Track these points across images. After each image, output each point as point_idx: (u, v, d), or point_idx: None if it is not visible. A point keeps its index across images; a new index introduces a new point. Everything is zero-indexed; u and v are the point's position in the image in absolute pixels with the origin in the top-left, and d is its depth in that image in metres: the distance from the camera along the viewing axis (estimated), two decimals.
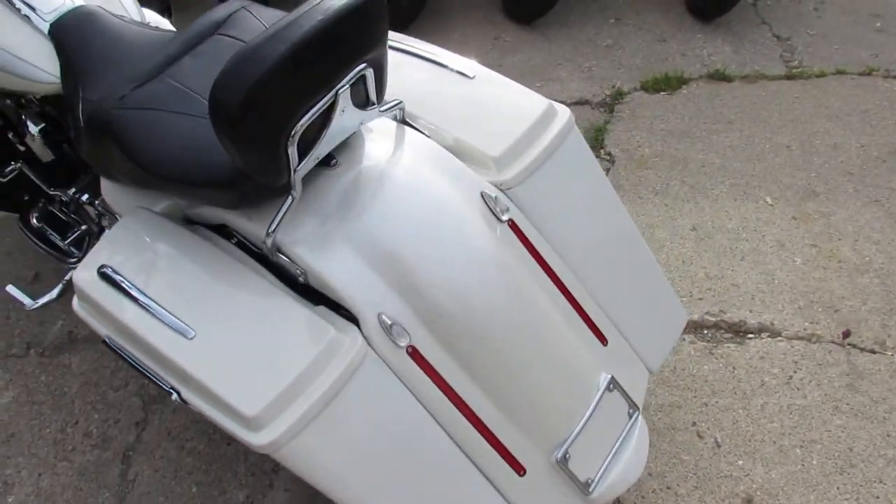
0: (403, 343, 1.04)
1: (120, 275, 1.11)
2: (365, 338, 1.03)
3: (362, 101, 1.04)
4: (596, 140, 2.39)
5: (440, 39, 2.93)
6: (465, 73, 1.29)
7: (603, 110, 2.53)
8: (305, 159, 0.98)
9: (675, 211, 2.09)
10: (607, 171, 2.27)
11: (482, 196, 1.13)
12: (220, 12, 1.31)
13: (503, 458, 1.13)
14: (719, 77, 2.59)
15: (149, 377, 1.08)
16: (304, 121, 0.93)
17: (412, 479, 1.06)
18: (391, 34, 1.39)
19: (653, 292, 1.35)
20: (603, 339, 1.26)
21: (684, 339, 1.73)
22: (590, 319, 1.24)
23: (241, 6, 1.32)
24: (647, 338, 1.33)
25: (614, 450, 1.23)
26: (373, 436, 1.02)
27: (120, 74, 1.22)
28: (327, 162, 1.11)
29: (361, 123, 1.06)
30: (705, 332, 1.76)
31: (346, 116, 1.01)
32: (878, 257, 1.89)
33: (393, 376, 1.04)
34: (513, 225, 1.16)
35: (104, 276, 1.11)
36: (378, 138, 1.15)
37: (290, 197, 1.02)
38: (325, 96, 0.95)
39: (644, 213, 2.10)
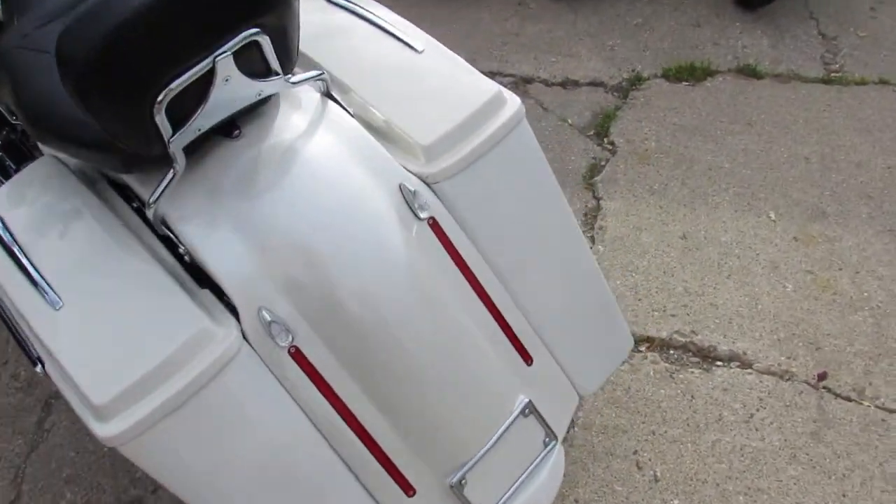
0: (284, 343, 0.94)
1: (8, 229, 1.03)
2: (243, 332, 0.94)
3: (261, 70, 0.93)
4: (601, 127, 2.23)
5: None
6: (414, 45, 1.16)
7: (617, 95, 2.36)
8: (182, 130, 0.88)
9: (669, 215, 1.94)
10: (605, 161, 2.12)
11: (400, 189, 1.02)
12: None
13: (391, 476, 1.04)
14: (749, 72, 2.38)
15: (18, 341, 1.01)
16: (173, 86, 0.82)
17: (284, 491, 0.98)
18: None
19: (595, 311, 1.23)
20: (527, 358, 1.14)
21: (646, 358, 1.61)
22: (514, 335, 1.12)
23: None
24: (582, 360, 1.22)
25: (520, 480, 1.13)
26: (241, 441, 0.94)
27: (37, 11, 1.13)
28: (230, 132, 1.00)
29: (259, 94, 0.95)
30: (671, 352, 1.63)
31: (235, 86, 0.90)
32: (878, 294, 1.72)
33: (271, 377, 0.95)
34: (434, 224, 1.04)
35: None
36: (293, 112, 1.04)
37: (171, 170, 0.92)
38: (199, 62, 0.84)
39: (635, 213, 1.95)
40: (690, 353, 1.62)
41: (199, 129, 0.91)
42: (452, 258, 1.05)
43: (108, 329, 0.92)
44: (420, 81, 1.11)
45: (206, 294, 0.97)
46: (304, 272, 0.94)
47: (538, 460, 1.14)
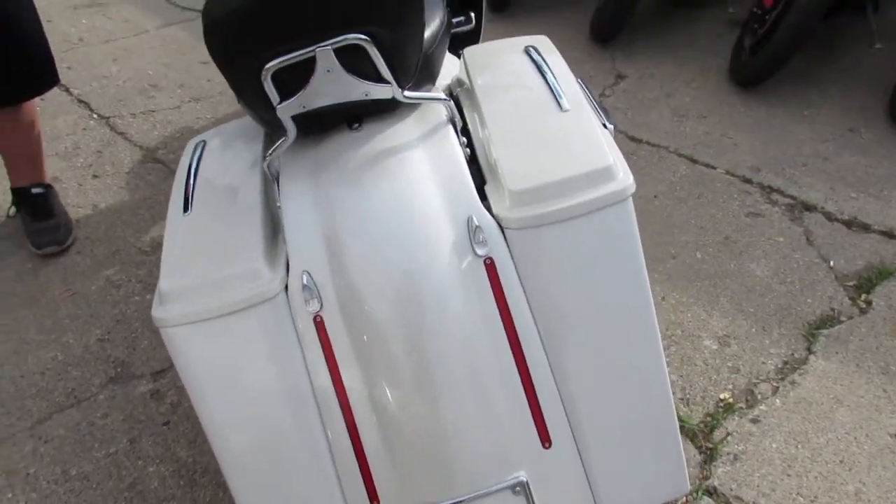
0: (312, 308, 1.03)
1: (201, 155, 1.29)
2: (287, 286, 1.05)
3: (371, 74, 1.02)
4: (867, 281, 1.88)
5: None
6: (561, 103, 1.15)
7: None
8: (287, 101, 1.02)
9: (890, 405, 1.58)
10: (847, 318, 1.80)
11: (467, 221, 1.03)
12: None
13: (363, 477, 1.06)
14: None
15: None
16: (276, 61, 0.96)
17: (267, 434, 1.06)
18: (546, 43, 1.32)
19: (649, 432, 1.07)
20: (545, 440, 1.06)
21: None
22: (538, 409, 1.05)
23: None
24: (614, 475, 1.08)
25: None
26: (250, 371, 1.05)
27: None
28: (351, 124, 1.13)
29: (367, 95, 1.05)
30: None
31: (337, 79, 1.01)
32: None
33: (292, 332, 1.05)
34: (490, 265, 1.03)
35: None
36: (411, 125, 1.12)
37: (284, 138, 1.07)
38: (302, 48, 0.96)
39: (846, 384, 1.60)
40: None
41: (304, 107, 1.04)
42: (498, 305, 1.03)
43: (200, 237, 1.10)
44: (544, 136, 1.10)
45: (281, 245, 1.11)
46: (351, 260, 1.02)
47: None
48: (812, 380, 1.64)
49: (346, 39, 0.96)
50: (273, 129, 1.13)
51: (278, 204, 1.11)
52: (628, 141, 2.54)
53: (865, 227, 2.10)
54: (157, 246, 2.10)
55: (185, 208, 1.15)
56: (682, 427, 1.54)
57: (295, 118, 1.04)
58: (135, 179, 2.38)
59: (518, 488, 1.03)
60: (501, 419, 1.03)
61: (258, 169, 1.18)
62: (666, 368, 1.07)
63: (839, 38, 3.05)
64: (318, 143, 1.12)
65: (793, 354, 1.71)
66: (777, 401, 1.60)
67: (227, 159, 1.25)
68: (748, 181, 2.31)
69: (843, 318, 1.80)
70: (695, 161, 2.42)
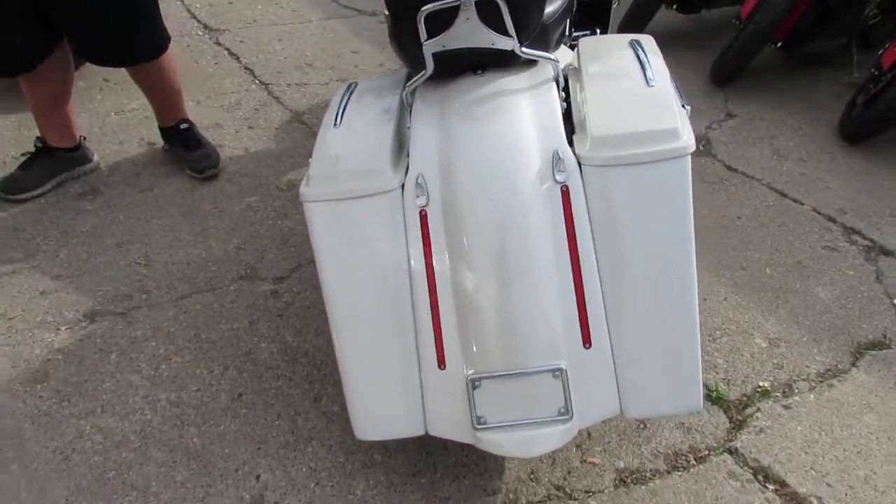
0: (420, 203, 1.31)
1: (353, 87, 1.62)
2: (404, 185, 1.34)
3: (500, 28, 1.30)
4: None
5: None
6: (649, 80, 1.39)
7: None
8: (432, 40, 1.32)
9: None
10: None
11: (553, 153, 1.29)
12: None
13: (436, 345, 1.33)
14: None
15: None
16: (431, 6, 1.26)
17: (366, 302, 1.33)
18: (649, 40, 1.58)
19: (675, 352, 1.27)
20: (587, 341, 1.29)
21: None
22: (585, 314, 1.28)
23: None
24: (638, 382, 1.29)
25: (519, 422, 1.28)
26: (362, 246, 1.33)
27: None
28: (476, 70, 1.42)
29: (493, 44, 1.32)
30: None
31: (473, 27, 1.29)
32: None
33: (401, 220, 1.33)
34: (565, 191, 1.28)
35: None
36: (524, 77, 1.39)
37: (424, 71, 1.37)
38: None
39: (890, 400, 1.75)
40: None
41: (444, 46, 1.33)
42: (566, 223, 1.28)
43: (344, 143, 1.39)
44: (628, 100, 1.34)
45: (405, 157, 1.39)
46: (457, 171, 1.29)
47: (544, 421, 1.28)
48: (849, 387, 1.78)
49: None
50: (415, 67, 1.44)
51: (408, 126, 1.41)
52: (724, 169, 2.72)
53: None
54: (293, 186, 2.47)
55: (335, 123, 1.47)
56: (718, 399, 1.73)
57: (435, 56, 1.35)
58: (282, 134, 2.78)
59: (557, 373, 1.27)
60: (553, 314, 1.27)
61: (397, 100, 1.48)
62: (697, 305, 1.29)
63: None
64: (447, 84, 1.42)
65: (837, 365, 1.85)
66: (811, 396, 1.75)
67: (372, 95, 1.56)
68: (832, 220, 2.44)
69: (893, 346, 1.92)
70: (784, 195, 2.57)
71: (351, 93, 1.58)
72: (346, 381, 1.36)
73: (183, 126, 2.51)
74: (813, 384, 1.79)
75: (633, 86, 1.38)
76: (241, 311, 1.93)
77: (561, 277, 1.28)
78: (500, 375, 1.28)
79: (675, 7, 3.69)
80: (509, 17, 1.28)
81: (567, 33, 1.84)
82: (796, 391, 1.76)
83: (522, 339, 1.27)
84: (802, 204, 2.52)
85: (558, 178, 1.27)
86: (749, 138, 2.93)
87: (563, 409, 1.28)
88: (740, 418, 1.68)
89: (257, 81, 3.18)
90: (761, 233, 2.36)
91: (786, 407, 1.72)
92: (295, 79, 3.19)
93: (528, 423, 1.28)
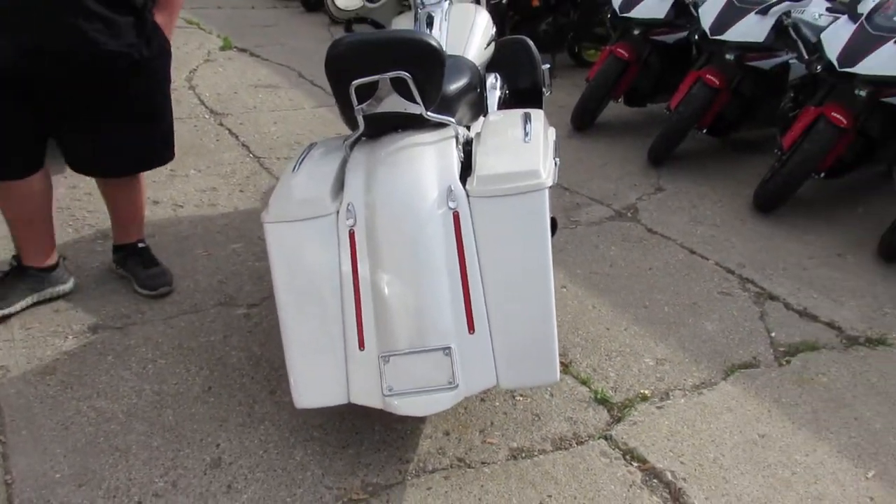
0: (349, 223, 1.74)
1: (311, 146, 2.09)
2: (338, 211, 1.78)
3: (410, 97, 1.76)
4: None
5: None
6: (527, 135, 1.85)
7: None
8: (362, 104, 1.78)
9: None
10: (773, 366, 2.29)
11: (447, 188, 1.73)
12: None
13: (357, 331, 1.72)
14: None
15: None
16: (359, 81, 1.73)
17: (309, 304, 1.74)
18: (538, 113, 2.05)
19: (537, 340, 1.67)
20: (471, 327, 1.68)
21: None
22: (470, 306, 1.68)
23: None
24: (509, 361, 1.67)
25: (420, 390, 1.66)
26: (307, 257, 1.74)
27: None
28: (397, 128, 1.88)
29: (406, 109, 1.78)
30: None
31: (391, 97, 1.75)
32: None
33: (335, 237, 1.76)
34: (455, 215, 1.71)
35: None
36: (433, 135, 1.84)
37: (358, 130, 1.84)
38: (373, 75, 1.72)
39: (748, 404, 2.11)
40: None
41: (370, 110, 1.79)
42: (456, 238, 1.69)
43: (297, 183, 1.84)
44: (508, 151, 1.79)
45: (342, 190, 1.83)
46: (377, 200, 1.72)
47: (437, 388, 1.66)
48: (716, 394, 2.15)
49: (396, 73, 1.73)
50: (353, 127, 1.91)
51: (347, 167, 1.87)
52: (645, 231, 3.16)
53: (814, 318, 2.59)
54: None
55: (293, 170, 1.93)
56: (603, 401, 2.10)
57: (365, 118, 1.81)
58: (268, 196, 3.25)
59: (447, 351, 1.66)
60: (445, 306, 1.68)
61: (341, 152, 1.95)
62: (553, 302, 1.68)
63: (860, 188, 3.60)
64: (377, 140, 1.89)
65: (710, 379, 2.23)
66: (682, 400, 2.12)
67: (324, 149, 2.01)
68: (731, 272, 2.86)
69: (761, 367, 2.30)
70: (693, 252, 3.00)
71: (310, 149, 2.05)
72: (289, 362, 1.75)
73: (141, 245, 2.55)
74: (686, 393, 2.16)
75: (512, 141, 1.85)
76: (217, 327, 2.33)
77: (452, 279, 1.69)
78: (404, 353, 1.67)
79: (618, 101, 4.24)
80: (415, 89, 1.75)
81: (486, 109, 2.33)
82: (671, 397, 2.14)
83: (421, 324, 1.67)
84: (707, 259, 2.95)
85: (450, 205, 1.71)
86: (672, 207, 3.39)
87: (451, 380, 1.66)
88: (619, 415, 2.05)
89: (251, 155, 3.69)
90: (666, 280, 2.77)
91: (659, 408, 2.09)
92: (284, 153, 3.70)
93: (424, 391, 1.67)
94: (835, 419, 2.08)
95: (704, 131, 3.80)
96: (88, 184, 3.23)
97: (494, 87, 2.61)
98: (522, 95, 2.81)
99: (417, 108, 1.78)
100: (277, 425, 1.94)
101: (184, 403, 2.01)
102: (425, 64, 1.75)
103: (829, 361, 2.34)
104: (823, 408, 2.12)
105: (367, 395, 1.71)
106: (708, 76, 3.48)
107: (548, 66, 2.85)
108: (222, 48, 5.43)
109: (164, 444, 1.87)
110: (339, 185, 1.82)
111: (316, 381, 1.74)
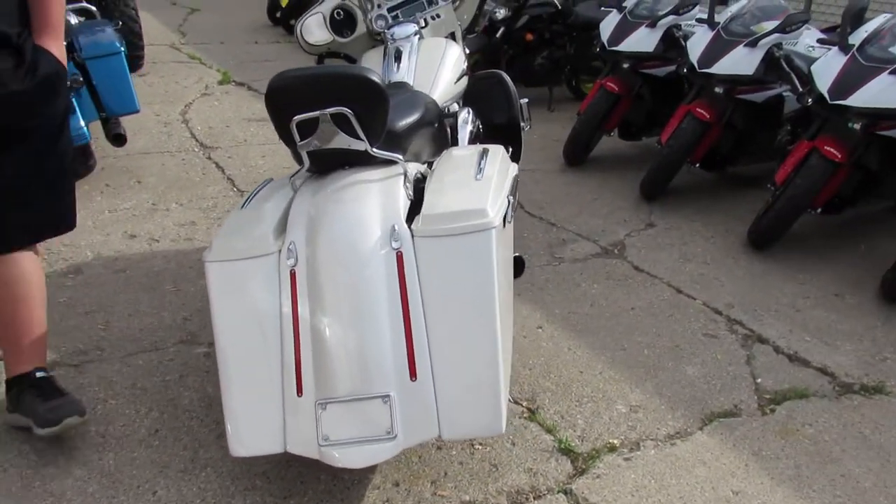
0: (290, 263, 1.67)
1: (266, 183, 2.03)
2: (280, 251, 1.71)
3: (353, 133, 1.69)
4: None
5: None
6: (479, 175, 1.77)
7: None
8: (303, 142, 1.72)
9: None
10: (755, 415, 2.17)
11: (391, 227, 1.65)
12: None
13: (296, 376, 1.64)
14: None
15: None
16: (299, 117, 1.66)
17: (245, 341, 1.65)
18: (497, 149, 1.98)
19: (481, 389, 1.56)
20: (413, 374, 1.59)
21: None
22: (412, 351, 1.59)
23: None
24: (453, 411, 1.57)
25: (356, 440, 1.56)
26: (247, 297, 1.68)
27: None
28: (343, 165, 1.81)
29: (349, 146, 1.71)
30: None
31: (333, 133, 1.68)
32: None
33: (277, 278, 1.68)
34: (399, 255, 1.63)
35: None
36: (379, 172, 1.77)
37: (302, 166, 1.77)
38: (312, 111, 1.66)
39: (724, 457, 1.98)
40: None
41: (316, 146, 1.73)
42: (399, 280, 1.61)
43: (244, 220, 1.78)
44: (457, 189, 1.72)
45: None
46: (319, 240, 1.65)
47: (374, 439, 1.56)
48: (690, 446, 2.03)
49: (337, 109, 1.66)
50: (300, 163, 1.84)
51: (292, 205, 1.80)
52: (631, 269, 3.06)
53: (805, 363, 2.46)
54: None
55: (242, 207, 1.87)
56: (567, 451, 1.98)
57: (310, 154, 1.75)
58: None
59: (386, 399, 1.57)
60: (386, 351, 1.59)
61: (290, 188, 1.88)
62: (499, 350, 1.58)
63: (862, 224, 3.47)
64: (324, 176, 1.82)
65: (686, 429, 2.11)
66: (653, 451, 2.00)
67: (276, 187, 1.95)
68: (718, 312, 2.74)
69: (743, 416, 2.17)
70: (680, 291, 2.89)
71: (263, 185, 1.99)
72: (226, 407, 1.67)
73: (40, 374, 1.90)
74: (659, 443, 2.04)
75: (463, 178, 1.77)
76: (175, 367, 2.26)
77: (393, 323, 1.61)
78: (341, 400, 1.58)
79: (611, 134, 4.16)
80: (358, 125, 1.68)
81: (447, 144, 2.27)
82: (641, 448, 2.01)
83: (359, 370, 1.59)
84: (695, 299, 2.83)
85: (394, 245, 1.63)
86: (661, 244, 3.29)
87: (389, 430, 1.57)
88: (583, 467, 1.93)
89: (235, 189, 3.66)
90: (649, 321, 2.66)
91: (627, 459, 1.97)
92: None
93: (361, 441, 1.57)
94: (819, 475, 1.94)
95: (697, 165, 3.70)
96: None
97: (466, 121, 2.54)
98: (498, 130, 2.75)
99: (362, 145, 1.71)
100: (219, 472, 1.85)
101: (127, 447, 1.93)
102: (367, 100, 1.68)
103: (819, 411, 2.21)
104: (808, 462, 1.99)
105: (303, 445, 1.62)
106: (698, 110, 3.40)
107: (525, 100, 2.79)
108: (220, 82, 5.46)
109: (100, 491, 1.79)
110: (285, 224, 1.75)
111: (253, 429, 1.66)
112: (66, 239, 3.00)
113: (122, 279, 2.75)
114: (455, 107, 2.66)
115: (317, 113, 1.66)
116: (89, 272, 2.82)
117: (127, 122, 3.66)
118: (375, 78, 1.68)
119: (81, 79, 3.23)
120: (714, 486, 1.88)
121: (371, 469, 1.84)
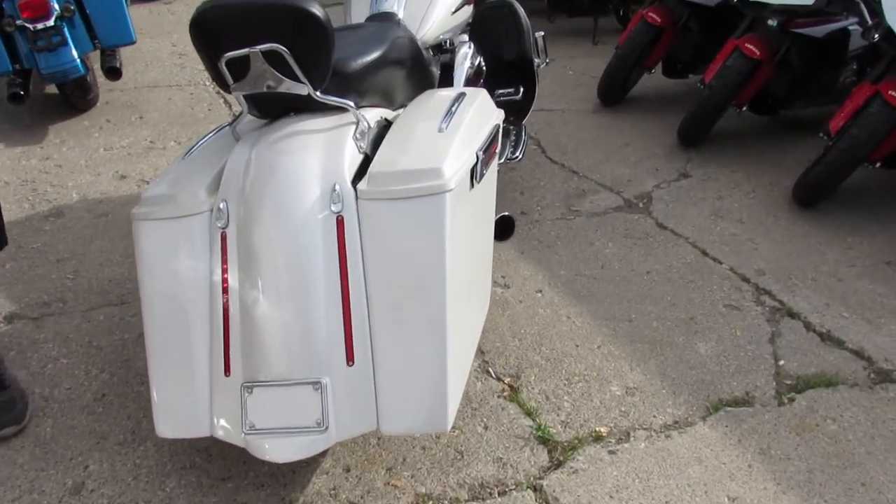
0: (220, 225, 1.46)
1: (215, 131, 1.81)
2: (212, 209, 1.50)
3: (292, 75, 1.44)
4: None
5: None
6: (442, 128, 1.51)
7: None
8: (238, 83, 1.48)
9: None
10: (770, 405, 1.90)
11: (332, 187, 1.42)
12: None
13: (224, 353, 1.45)
14: None
15: None
16: (228, 55, 1.42)
17: (173, 311, 1.48)
18: (479, 93, 1.70)
19: (425, 378, 1.35)
20: (350, 358, 1.38)
21: None
22: (350, 333, 1.38)
23: None
24: (394, 402, 1.37)
25: (283, 430, 1.38)
26: (175, 260, 1.49)
27: None
28: (288, 112, 1.57)
29: (288, 90, 1.47)
30: None
31: (268, 74, 1.44)
32: None
33: (208, 239, 1.48)
34: (340, 220, 1.40)
35: None
36: (328, 120, 1.52)
37: (242, 111, 1.54)
38: (242, 48, 1.41)
39: (724, 455, 1.73)
40: None
41: (239, 89, 1.48)
42: (339, 250, 1.39)
43: (182, 172, 1.58)
44: (414, 143, 1.47)
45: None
46: (251, 200, 1.43)
47: (302, 430, 1.37)
48: (687, 439, 1.78)
49: (269, 46, 1.41)
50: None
51: (228, 158, 1.58)
52: (654, 226, 2.75)
53: (839, 343, 2.16)
54: None
55: (184, 156, 1.66)
56: (545, 440, 1.76)
57: (249, 99, 1.51)
58: None
59: (317, 386, 1.37)
60: (319, 331, 1.38)
61: (233, 137, 1.66)
62: (447, 334, 1.36)
63: None
64: (271, 123, 1.59)
65: (686, 418, 1.85)
66: (643, 444, 1.76)
67: (225, 132, 1.74)
68: (746, 280, 2.44)
69: (756, 405, 1.90)
70: (705, 253, 2.58)
71: (215, 132, 1.77)
72: (152, 383, 1.51)
73: None
74: (652, 434, 1.80)
75: (424, 131, 1.51)
76: (136, 324, 2.12)
77: (329, 298, 1.39)
78: (268, 384, 1.39)
79: (652, 71, 3.77)
80: (296, 65, 1.43)
81: (431, 85, 1.99)
82: (631, 439, 1.78)
83: (288, 351, 1.39)
84: (721, 263, 2.53)
85: (333, 208, 1.40)
86: (693, 198, 2.96)
87: (320, 421, 1.38)
88: (560, 459, 1.71)
89: None
90: (664, 288, 2.38)
91: (611, 452, 1.74)
92: None
93: (288, 432, 1.39)
94: (835, 482, 1.68)
95: (745, 108, 3.31)
96: (63, 155, 3.09)
97: (466, 57, 2.25)
98: (509, 67, 2.44)
99: (304, 88, 1.47)
100: (159, 447, 1.71)
101: (68, 413, 1.81)
102: (306, 34, 1.43)
103: (846, 403, 1.92)
104: (823, 466, 1.72)
105: (228, 431, 1.45)
106: (747, 45, 2.99)
107: (541, 33, 2.47)
108: None
109: (30, 462, 1.67)
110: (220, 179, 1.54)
111: (178, 408, 1.50)
112: (55, 180, 2.89)
113: (101, 224, 2.61)
114: (461, 40, 2.37)
115: (246, 50, 1.41)
116: (70, 215, 2.68)
117: (142, 53, 3.48)
118: (316, 9, 1.42)
119: (73, 6, 3.03)
120: (707, 491, 1.64)
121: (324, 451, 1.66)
